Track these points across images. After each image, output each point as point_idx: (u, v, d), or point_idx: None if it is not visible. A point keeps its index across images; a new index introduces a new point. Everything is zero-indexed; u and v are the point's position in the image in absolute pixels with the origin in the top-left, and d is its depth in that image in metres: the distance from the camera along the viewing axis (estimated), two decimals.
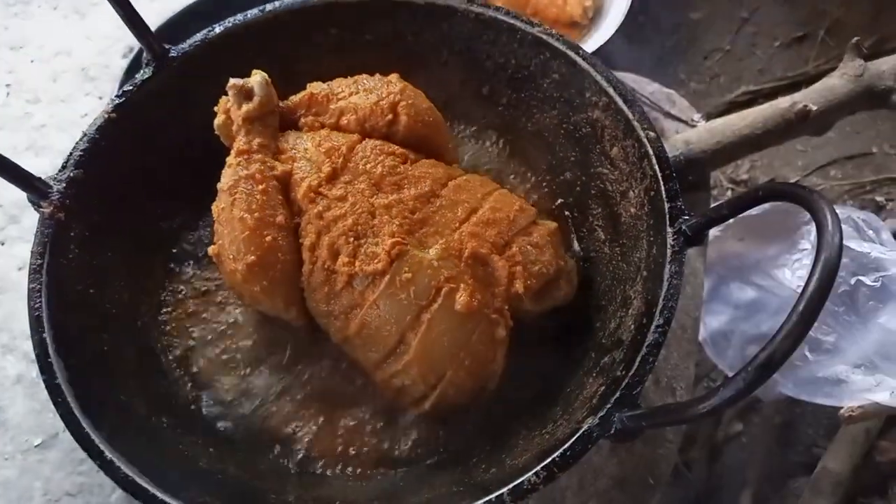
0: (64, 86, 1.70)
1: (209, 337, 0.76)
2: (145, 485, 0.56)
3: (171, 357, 0.75)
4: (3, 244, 1.52)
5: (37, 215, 1.56)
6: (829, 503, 1.05)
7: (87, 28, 1.77)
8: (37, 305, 0.64)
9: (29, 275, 0.66)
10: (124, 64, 1.63)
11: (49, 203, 0.68)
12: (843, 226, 1.07)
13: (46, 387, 0.61)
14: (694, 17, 1.74)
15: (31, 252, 0.67)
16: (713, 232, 1.19)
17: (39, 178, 0.69)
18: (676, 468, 1.21)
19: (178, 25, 1.39)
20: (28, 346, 1.38)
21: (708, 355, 1.17)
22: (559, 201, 0.83)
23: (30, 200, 0.69)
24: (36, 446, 1.31)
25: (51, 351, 0.62)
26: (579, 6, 1.52)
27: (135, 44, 1.71)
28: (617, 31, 1.45)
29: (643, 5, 1.70)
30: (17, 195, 1.60)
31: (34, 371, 1.37)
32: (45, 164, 1.56)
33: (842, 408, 1.00)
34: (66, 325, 0.65)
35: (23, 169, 0.67)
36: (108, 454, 0.57)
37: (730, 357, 1.14)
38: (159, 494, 0.56)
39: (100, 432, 0.59)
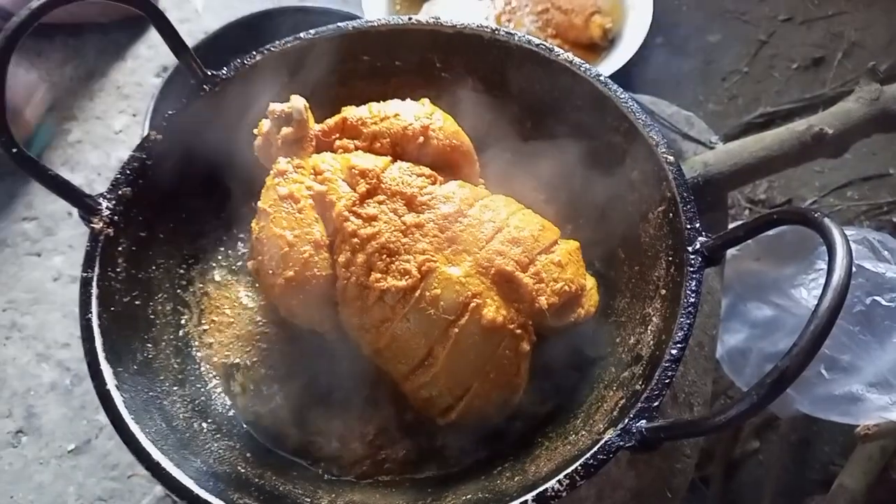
0: (99, 103, 1.77)
1: (245, 347, 0.80)
2: (190, 486, 0.60)
3: (209, 365, 0.78)
4: (38, 255, 1.57)
5: (71, 228, 1.63)
6: None
7: (122, 48, 1.84)
8: (87, 315, 0.68)
9: (80, 287, 0.70)
10: (157, 82, 1.69)
11: (99, 219, 0.73)
12: (859, 246, 1.10)
13: (97, 393, 0.65)
14: (712, 39, 1.77)
15: (82, 265, 0.71)
16: (731, 251, 1.21)
17: (90, 196, 0.73)
18: (693, 483, 1.23)
19: (207, 49, 1.45)
20: (62, 354, 1.45)
21: (725, 373, 1.19)
22: (580, 221, 0.86)
23: (80, 216, 0.73)
24: (69, 452, 1.36)
25: (101, 358, 0.66)
26: (599, 28, 1.56)
27: (167, 63, 1.78)
28: (636, 53, 1.49)
29: (661, 28, 1.74)
30: (52, 208, 1.67)
31: (68, 379, 1.43)
32: (80, 179, 1.62)
33: (858, 426, 1.02)
34: (113, 334, 0.69)
35: (75, 187, 0.72)
36: (156, 456, 0.61)
37: (747, 375, 1.16)
38: (203, 495, 0.59)
39: (146, 435, 0.63)
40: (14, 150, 0.66)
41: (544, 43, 0.82)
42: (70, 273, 1.54)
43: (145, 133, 1.37)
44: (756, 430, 1.28)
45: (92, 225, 0.72)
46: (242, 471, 0.68)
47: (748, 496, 1.23)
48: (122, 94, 1.77)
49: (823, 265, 1.07)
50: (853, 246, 1.11)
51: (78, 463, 1.34)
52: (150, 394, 0.69)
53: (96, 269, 0.71)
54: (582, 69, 0.80)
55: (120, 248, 0.74)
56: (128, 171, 0.76)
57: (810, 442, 1.25)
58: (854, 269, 1.08)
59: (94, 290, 0.69)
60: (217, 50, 1.45)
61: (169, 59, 1.78)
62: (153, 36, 1.83)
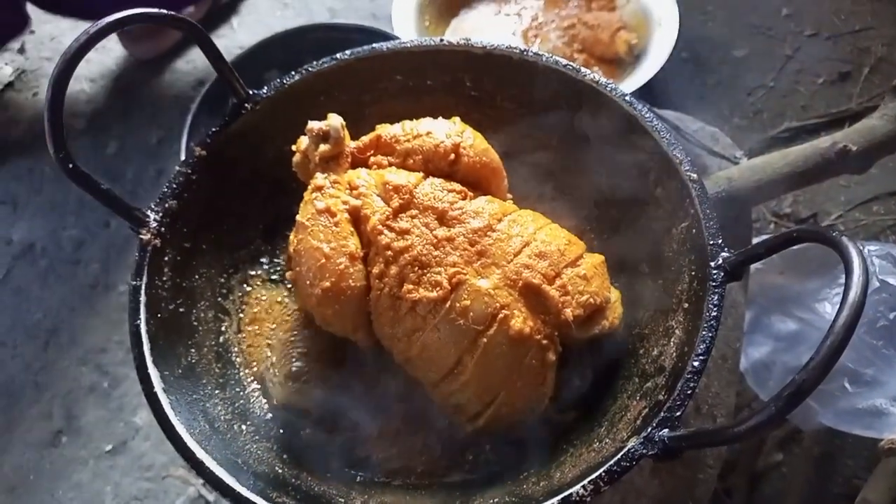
0: (136, 117, 1.83)
1: (282, 354, 0.83)
2: (233, 484, 0.63)
3: (247, 370, 0.82)
4: (77, 263, 1.64)
5: (108, 238, 1.68)
6: None
7: (158, 63, 1.90)
8: (136, 322, 0.72)
9: (129, 294, 0.74)
10: (194, 96, 1.75)
11: (147, 230, 0.77)
12: (883, 262, 1.11)
13: (145, 394, 0.68)
14: (737, 54, 1.79)
15: (131, 274, 0.75)
16: (755, 265, 1.22)
17: (139, 209, 0.77)
18: (716, 494, 1.24)
19: (243, 65, 1.50)
20: (100, 359, 1.50)
21: (749, 385, 1.20)
22: (605, 235, 0.89)
23: (130, 228, 0.78)
24: (106, 452, 1.41)
25: (148, 363, 0.70)
26: (625, 44, 1.58)
27: (204, 78, 1.84)
28: (661, 68, 1.50)
29: (687, 43, 1.76)
30: (90, 218, 1.72)
31: (105, 382, 1.48)
32: (117, 191, 1.69)
33: (882, 440, 1.02)
34: (160, 339, 0.73)
35: (125, 201, 0.76)
36: (200, 455, 0.65)
37: (770, 387, 1.17)
38: (245, 493, 0.62)
39: (191, 436, 0.66)
40: (70, 167, 0.70)
41: (571, 63, 0.85)
42: (107, 280, 1.60)
43: (183, 147, 1.43)
44: (779, 443, 1.28)
45: (140, 236, 0.76)
46: (280, 471, 0.71)
47: None
48: (159, 107, 1.83)
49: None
50: (877, 261, 1.12)
51: (115, 463, 1.39)
52: (194, 396, 0.73)
53: (144, 278, 0.74)
54: (608, 89, 0.82)
55: (166, 258, 0.78)
56: (174, 185, 0.80)
57: (834, 455, 1.25)
58: (878, 284, 1.10)
59: (143, 298, 0.73)
60: (252, 66, 1.51)
61: (205, 73, 1.84)
62: (190, 51, 1.90)
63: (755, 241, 0.99)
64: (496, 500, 0.68)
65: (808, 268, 1.16)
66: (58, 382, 1.49)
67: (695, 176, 0.74)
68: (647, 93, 1.46)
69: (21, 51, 1.96)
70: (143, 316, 0.72)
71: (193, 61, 1.89)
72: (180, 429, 0.66)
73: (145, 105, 1.84)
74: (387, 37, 1.47)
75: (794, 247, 1.17)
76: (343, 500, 0.69)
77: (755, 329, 1.21)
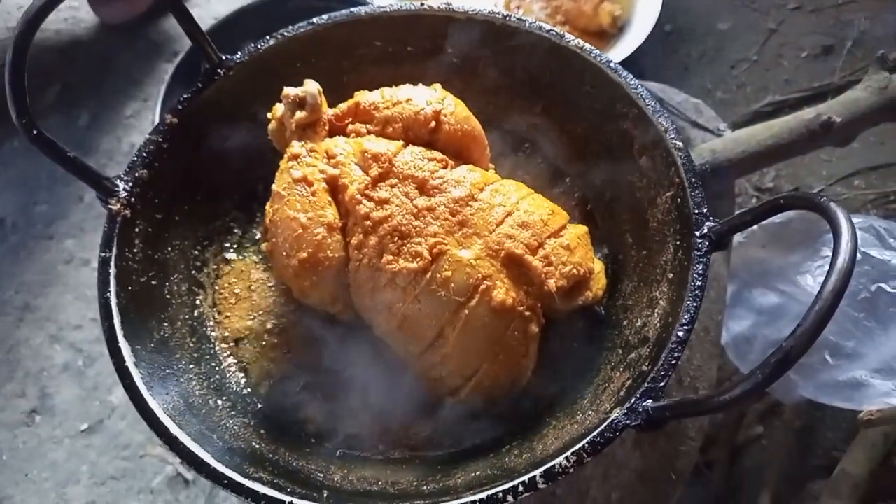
0: (109, 89, 1.78)
1: (257, 328, 0.81)
2: (207, 459, 0.61)
3: (223, 345, 0.80)
4: (51, 238, 1.60)
5: (83, 212, 1.64)
6: None
7: (130, 34, 1.85)
8: (106, 294, 0.70)
9: (98, 266, 0.71)
10: (168, 68, 1.70)
11: (116, 201, 0.74)
12: (866, 234, 1.11)
13: (116, 369, 0.66)
14: (721, 27, 1.77)
15: (100, 245, 0.72)
16: (737, 238, 1.22)
17: (108, 178, 0.74)
18: (697, 468, 1.24)
19: (218, 34, 1.45)
20: (74, 336, 1.47)
21: (730, 359, 1.20)
22: (589, 206, 0.87)
23: (98, 198, 0.75)
24: (82, 431, 1.38)
25: (119, 336, 0.68)
26: (608, 16, 1.56)
27: (178, 49, 1.80)
28: (645, 40, 1.49)
29: (670, 15, 1.74)
30: (64, 192, 1.69)
31: (80, 360, 1.45)
32: (91, 163, 1.65)
33: (861, 411, 1.03)
34: (131, 312, 0.71)
35: (94, 169, 0.73)
36: (174, 431, 0.63)
37: (751, 361, 1.17)
38: (220, 468, 0.61)
39: (164, 411, 0.64)
40: (34, 133, 0.67)
41: (555, 29, 0.83)
42: (81, 256, 1.56)
43: (157, 118, 1.39)
44: (760, 416, 1.29)
45: (109, 206, 0.74)
46: (257, 447, 0.70)
47: (751, 481, 1.24)
48: (133, 78, 1.78)
49: (829, 252, 1.08)
50: (859, 234, 1.12)
51: (91, 442, 1.36)
52: (167, 371, 0.71)
53: (114, 250, 0.72)
54: (592, 55, 0.80)
55: (137, 230, 0.75)
56: (144, 154, 0.77)
57: (814, 428, 1.26)
58: (860, 256, 1.10)
59: (112, 270, 0.71)
60: (228, 36, 1.46)
61: (179, 44, 1.80)
62: (163, 22, 1.85)
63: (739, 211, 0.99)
64: (478, 472, 0.67)
65: (791, 241, 1.15)
66: (31, 360, 1.45)
67: (680, 144, 0.72)
68: (630, 65, 1.44)
69: None
70: (113, 288, 0.70)
71: (166, 31, 1.84)
72: (152, 403, 0.64)
73: (118, 77, 1.79)
74: (364, 4, 1.44)
75: (778, 219, 1.17)
76: (322, 475, 0.68)
77: (737, 303, 1.20)
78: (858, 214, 1.29)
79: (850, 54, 1.67)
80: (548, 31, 0.83)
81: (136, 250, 0.75)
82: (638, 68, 1.61)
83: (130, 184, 0.75)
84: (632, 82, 0.78)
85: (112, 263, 0.71)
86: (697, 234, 0.67)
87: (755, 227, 1.21)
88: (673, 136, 0.74)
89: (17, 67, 0.65)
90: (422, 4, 0.87)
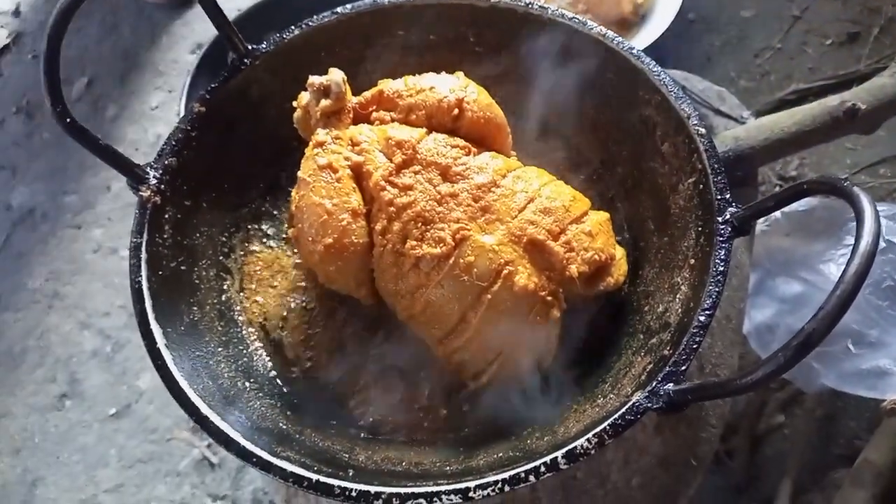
0: (135, 80, 1.81)
1: (283, 312, 0.83)
2: (237, 438, 0.63)
3: (250, 328, 0.82)
4: (79, 228, 1.63)
5: (110, 202, 1.68)
6: (869, 494, 1.07)
7: (156, 26, 1.88)
8: (137, 279, 0.72)
9: (130, 251, 0.73)
10: (192, 59, 1.73)
11: (147, 188, 0.76)
12: (890, 222, 1.10)
13: (148, 351, 0.68)
14: (745, 14, 1.75)
15: (131, 231, 0.74)
16: (760, 227, 1.21)
17: (139, 165, 0.76)
18: (718, 456, 1.24)
19: (241, 25, 1.47)
20: (103, 323, 1.50)
21: (752, 348, 1.20)
22: (611, 193, 0.88)
23: (129, 185, 0.77)
24: (111, 415, 1.42)
25: (151, 319, 0.70)
26: (630, 3, 1.56)
27: (202, 40, 1.82)
28: (667, 28, 1.48)
29: (694, 3, 1.72)
30: (92, 182, 1.72)
31: (108, 346, 1.48)
32: None
33: (884, 400, 1.02)
34: (161, 297, 0.72)
35: (126, 157, 0.75)
36: (204, 410, 0.64)
37: (774, 350, 1.16)
38: (249, 446, 0.62)
39: (195, 391, 0.66)
40: (68, 121, 0.69)
41: (577, 17, 0.83)
42: (109, 245, 1.59)
43: (182, 109, 1.41)
44: (781, 405, 1.29)
45: (140, 193, 0.76)
46: (283, 427, 0.71)
47: (772, 470, 1.24)
48: (158, 70, 1.81)
49: (853, 241, 1.07)
50: (884, 222, 1.11)
51: (119, 426, 1.39)
52: (197, 353, 0.73)
53: (145, 236, 0.74)
54: (615, 42, 0.81)
55: (166, 216, 0.77)
56: (173, 142, 0.79)
57: (836, 417, 1.26)
58: (884, 244, 1.09)
59: (144, 255, 0.73)
60: (251, 27, 1.48)
61: (203, 36, 1.82)
62: (187, 14, 1.87)
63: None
64: (500, 454, 0.68)
65: (814, 229, 1.15)
66: (60, 347, 1.49)
67: (703, 130, 0.73)
68: (652, 54, 1.44)
69: (16, 13, 1.93)
70: (144, 273, 0.72)
71: (190, 24, 1.86)
72: (184, 384, 0.66)
73: (143, 69, 1.82)
74: None
75: (801, 207, 1.17)
76: (347, 456, 0.69)
77: (759, 292, 1.20)
78: (883, 203, 1.28)
79: (876, 41, 1.64)
80: (570, 19, 0.83)
81: (165, 236, 0.76)
82: (660, 57, 1.60)
83: (160, 171, 0.77)
84: (654, 69, 0.78)
85: (143, 249, 0.73)
86: (720, 219, 0.67)
87: (778, 215, 1.20)
88: (696, 122, 0.74)
89: (51, 59, 0.67)
90: None
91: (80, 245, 1.60)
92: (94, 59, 1.83)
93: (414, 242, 0.71)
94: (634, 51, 0.80)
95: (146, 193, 0.76)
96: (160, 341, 0.68)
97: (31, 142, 1.73)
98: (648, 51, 1.38)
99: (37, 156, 1.71)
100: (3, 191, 1.66)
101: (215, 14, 0.79)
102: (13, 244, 1.60)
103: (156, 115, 1.74)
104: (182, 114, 1.39)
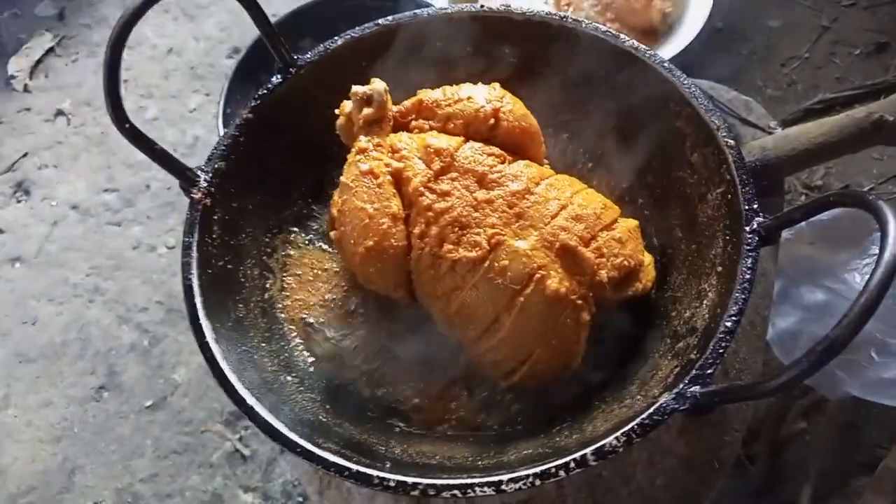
0: (174, 83, 1.86)
1: (323, 310, 0.87)
2: (282, 429, 0.67)
3: (291, 325, 0.86)
4: (119, 225, 1.68)
5: (149, 200, 1.73)
6: (890, 502, 1.09)
7: (195, 30, 1.93)
8: (189, 276, 0.76)
9: (182, 250, 0.77)
10: (230, 63, 1.78)
11: (198, 190, 0.80)
12: None
13: (199, 345, 0.72)
14: (772, 24, 1.76)
15: (183, 231, 0.78)
16: (785, 235, 1.23)
17: (191, 169, 0.80)
18: (739, 461, 1.26)
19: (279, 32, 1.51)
20: (141, 318, 1.55)
21: (775, 355, 1.22)
22: (640, 201, 0.90)
23: (181, 187, 0.81)
24: (147, 407, 1.46)
25: (201, 315, 0.74)
26: (659, 13, 1.57)
27: (239, 45, 1.86)
28: (695, 37, 1.50)
29: (721, 12, 1.74)
30: (131, 181, 1.77)
31: (146, 340, 1.53)
32: None
33: None
34: (211, 294, 0.76)
35: (179, 161, 0.79)
36: (251, 402, 0.68)
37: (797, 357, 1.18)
38: (293, 437, 0.66)
39: (242, 383, 0.70)
40: (127, 126, 0.73)
41: (610, 30, 0.86)
42: (148, 242, 1.64)
43: (220, 113, 1.46)
44: (804, 412, 1.30)
45: (192, 195, 0.80)
46: (324, 420, 0.75)
47: (793, 476, 1.25)
48: (196, 74, 1.86)
49: (877, 250, 1.08)
50: None
51: (155, 418, 1.44)
52: (243, 348, 0.76)
53: (196, 235, 0.78)
54: (647, 55, 0.83)
55: (215, 217, 0.81)
56: (223, 147, 0.83)
57: (858, 425, 1.27)
58: None
59: (195, 254, 0.77)
60: (286, 34, 1.51)
61: (241, 41, 1.87)
62: (225, 18, 1.92)
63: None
64: (530, 450, 0.71)
65: (839, 238, 1.16)
66: (100, 340, 1.54)
67: (731, 142, 0.75)
68: (680, 63, 1.46)
69: (61, 17, 2.00)
70: (195, 271, 0.76)
71: (228, 28, 1.91)
72: (232, 377, 0.70)
73: (182, 73, 1.87)
74: (419, 4, 1.48)
75: (826, 217, 1.18)
76: (383, 448, 0.73)
77: (783, 299, 1.22)
78: None
79: None
80: (603, 32, 0.86)
81: (214, 236, 0.80)
82: (687, 66, 1.61)
83: (210, 174, 0.81)
84: (685, 82, 0.81)
85: (194, 248, 0.77)
86: (747, 229, 0.70)
87: (803, 224, 1.21)
88: (725, 133, 0.76)
89: (112, 66, 0.71)
90: (482, 6, 0.91)
91: (121, 242, 1.65)
92: (135, 60, 1.89)
93: (450, 246, 0.74)
94: (666, 64, 0.82)
95: (197, 195, 0.80)
96: (209, 336, 0.72)
97: (75, 141, 1.79)
98: (676, 59, 1.41)
99: (79, 155, 1.77)
100: (47, 188, 1.72)
101: (264, 25, 0.83)
102: (56, 240, 1.66)
103: (194, 118, 1.79)
104: (220, 117, 1.45)
